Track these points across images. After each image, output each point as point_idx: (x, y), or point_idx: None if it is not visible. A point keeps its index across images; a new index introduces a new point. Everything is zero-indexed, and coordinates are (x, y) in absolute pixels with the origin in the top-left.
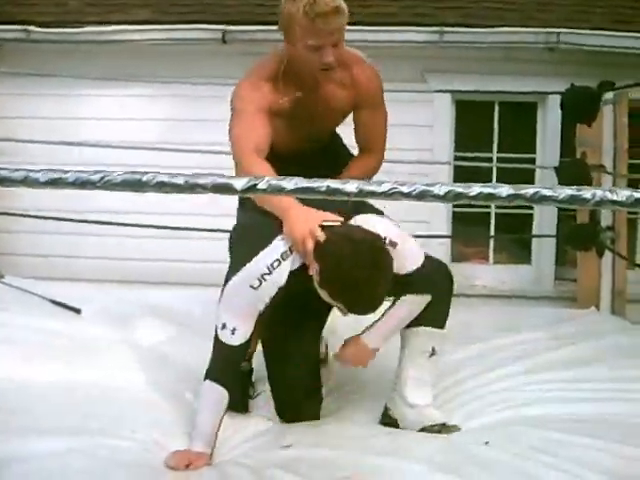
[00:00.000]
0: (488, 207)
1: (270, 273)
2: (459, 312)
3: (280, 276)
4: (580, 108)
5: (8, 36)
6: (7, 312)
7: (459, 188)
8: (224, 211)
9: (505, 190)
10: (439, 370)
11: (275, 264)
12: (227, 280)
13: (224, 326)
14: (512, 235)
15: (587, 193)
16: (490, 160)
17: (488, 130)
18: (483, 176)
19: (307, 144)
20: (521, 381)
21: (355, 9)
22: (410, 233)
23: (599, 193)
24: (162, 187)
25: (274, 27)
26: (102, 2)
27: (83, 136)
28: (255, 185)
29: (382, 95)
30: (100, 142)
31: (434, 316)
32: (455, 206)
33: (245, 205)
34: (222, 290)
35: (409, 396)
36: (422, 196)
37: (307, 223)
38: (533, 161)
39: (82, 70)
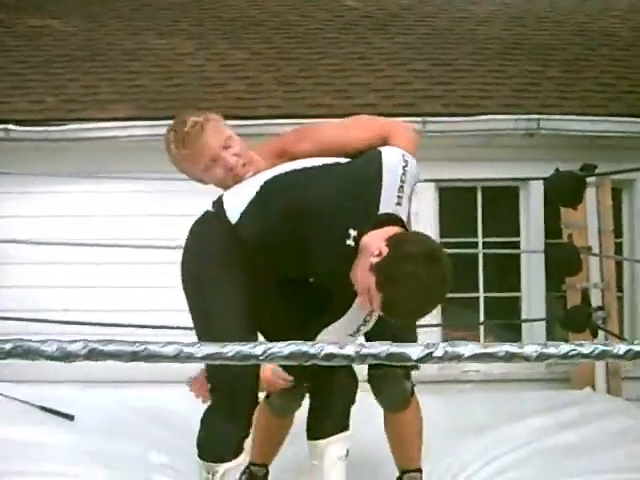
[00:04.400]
0: (477, 291)
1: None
2: (457, 399)
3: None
4: (566, 192)
5: None
6: None
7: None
8: None
9: None
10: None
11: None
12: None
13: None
14: (503, 321)
15: None
16: (475, 245)
17: (472, 215)
18: (469, 260)
19: None
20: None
21: (335, 101)
22: None
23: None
24: (332, 359)
25: (262, 121)
26: (80, 99)
27: (65, 234)
28: (431, 353)
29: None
30: (83, 240)
31: (344, 419)
32: None
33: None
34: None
35: None
36: (602, 356)
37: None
38: (518, 244)
39: (62, 167)
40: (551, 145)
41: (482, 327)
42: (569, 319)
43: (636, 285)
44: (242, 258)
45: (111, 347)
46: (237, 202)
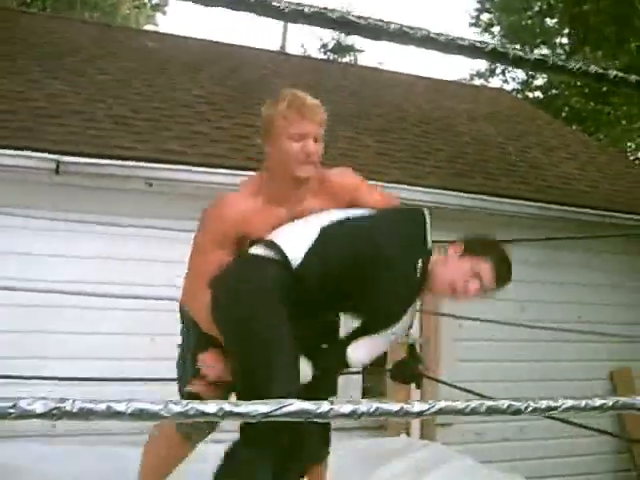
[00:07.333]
0: None
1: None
2: None
3: None
4: None
5: None
6: None
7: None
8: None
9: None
10: None
11: None
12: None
13: None
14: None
15: None
16: None
17: None
18: None
19: None
20: None
21: (186, 148)
22: None
23: None
24: None
25: (111, 161)
26: None
27: None
28: None
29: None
30: None
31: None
32: None
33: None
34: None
35: None
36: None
37: None
38: None
39: None
40: None
41: None
42: (400, 371)
43: (439, 336)
44: (292, 297)
45: None
46: (296, 245)
